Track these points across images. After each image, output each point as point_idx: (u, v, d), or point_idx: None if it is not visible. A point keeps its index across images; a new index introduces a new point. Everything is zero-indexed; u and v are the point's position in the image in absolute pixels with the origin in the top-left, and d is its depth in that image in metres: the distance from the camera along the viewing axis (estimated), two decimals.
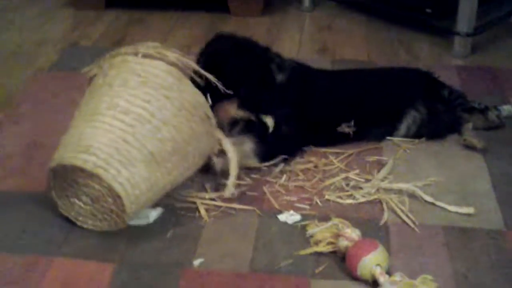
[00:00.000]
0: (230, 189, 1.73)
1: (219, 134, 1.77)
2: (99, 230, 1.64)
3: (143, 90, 1.62)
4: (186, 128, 1.65)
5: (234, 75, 1.85)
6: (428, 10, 2.76)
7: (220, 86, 1.73)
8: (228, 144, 1.77)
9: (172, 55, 1.68)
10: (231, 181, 1.74)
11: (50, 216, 1.68)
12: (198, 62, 1.91)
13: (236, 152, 1.77)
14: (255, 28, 2.94)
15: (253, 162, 1.87)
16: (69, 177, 1.60)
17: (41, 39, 2.81)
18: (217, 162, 1.78)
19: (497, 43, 2.76)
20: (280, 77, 1.96)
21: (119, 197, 1.55)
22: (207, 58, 1.91)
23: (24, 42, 2.78)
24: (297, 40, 2.82)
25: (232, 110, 1.88)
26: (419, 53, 2.70)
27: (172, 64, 1.67)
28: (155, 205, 1.70)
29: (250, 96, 1.90)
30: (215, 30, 2.79)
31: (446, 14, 2.71)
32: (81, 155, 1.54)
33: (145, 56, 1.67)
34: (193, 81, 1.73)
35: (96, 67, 1.73)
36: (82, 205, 1.63)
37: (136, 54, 1.68)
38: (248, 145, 1.86)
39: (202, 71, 1.72)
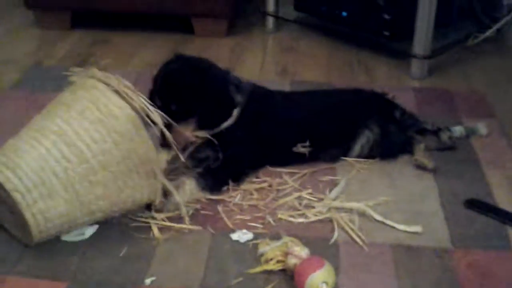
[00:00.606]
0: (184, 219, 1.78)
1: (164, 181, 1.75)
2: (22, 240, 1.66)
3: (96, 127, 1.61)
4: (125, 177, 1.64)
5: (190, 96, 1.88)
6: (386, 33, 2.82)
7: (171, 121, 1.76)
8: (174, 192, 1.78)
9: (139, 102, 1.65)
10: (183, 213, 1.79)
11: (3, 235, 1.70)
12: (155, 82, 1.95)
13: (181, 195, 1.81)
14: (219, 49, 2.99)
15: (203, 196, 1.88)
16: None
17: (4, 58, 2.82)
18: (165, 204, 1.80)
19: (454, 65, 2.83)
20: (238, 98, 1.99)
21: (28, 224, 1.57)
22: (164, 78, 1.94)
23: None
24: (260, 61, 2.87)
25: (188, 133, 1.90)
26: (377, 74, 2.76)
27: (137, 110, 1.65)
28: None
29: (207, 117, 1.92)
30: (179, 50, 2.85)
31: (404, 37, 2.77)
32: (7, 172, 1.56)
33: (115, 91, 1.66)
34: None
35: (78, 76, 1.73)
36: (4, 212, 1.65)
37: (107, 85, 1.67)
38: (190, 184, 1.86)
39: (164, 129, 1.70)
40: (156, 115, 1.66)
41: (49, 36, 3.08)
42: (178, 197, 1.78)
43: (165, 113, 1.76)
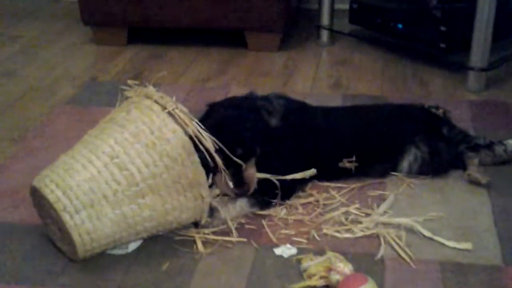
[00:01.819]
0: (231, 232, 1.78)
1: (214, 202, 1.78)
2: (68, 254, 1.67)
3: (148, 150, 1.62)
4: (173, 200, 1.65)
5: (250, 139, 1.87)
6: (443, 45, 2.77)
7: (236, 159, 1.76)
8: (221, 210, 1.80)
9: (193, 127, 1.65)
10: (230, 226, 1.79)
11: (50, 247, 1.72)
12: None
13: (231, 211, 1.82)
14: (272, 63, 2.99)
15: (253, 211, 1.87)
16: (43, 199, 1.62)
17: (61, 74, 2.89)
18: (210, 222, 1.80)
19: None
20: (273, 122, 1.96)
21: (74, 243, 1.58)
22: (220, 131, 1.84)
23: (44, 77, 2.86)
24: (312, 75, 2.85)
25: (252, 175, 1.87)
26: (433, 87, 2.71)
27: (189, 135, 1.65)
28: None
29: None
30: (232, 64, 2.89)
31: (461, 49, 2.71)
32: (57, 191, 1.57)
33: (169, 113, 1.66)
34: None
35: (133, 91, 1.75)
36: (52, 226, 1.67)
37: (163, 107, 1.67)
38: (241, 200, 1.85)
39: (214, 155, 1.68)
40: (209, 141, 1.66)
41: (105, 52, 3.13)
42: (223, 213, 1.78)
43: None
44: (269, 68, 2.94)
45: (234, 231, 1.78)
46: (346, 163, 1.98)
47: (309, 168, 1.95)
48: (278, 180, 1.89)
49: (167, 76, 2.84)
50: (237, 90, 2.64)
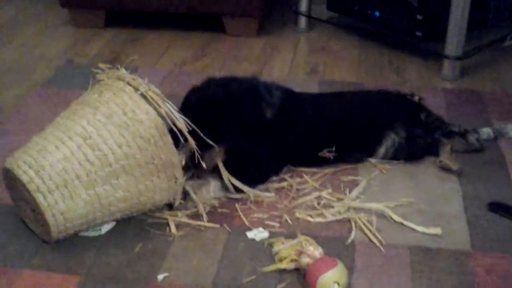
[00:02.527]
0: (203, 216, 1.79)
1: (185, 184, 1.77)
2: (40, 236, 1.68)
3: (121, 131, 1.62)
4: (146, 181, 1.66)
5: (224, 126, 1.85)
6: (419, 33, 2.79)
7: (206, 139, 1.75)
8: (192, 194, 1.81)
9: (166, 109, 1.66)
10: (201, 211, 1.80)
11: (23, 230, 1.73)
12: (186, 105, 1.89)
13: (205, 194, 1.82)
14: (250, 48, 2.99)
15: (226, 195, 1.88)
16: (15, 181, 1.62)
17: (37, 56, 2.87)
18: (184, 204, 1.81)
19: (487, 67, 2.78)
20: (269, 114, 1.96)
21: (48, 224, 1.58)
22: (197, 104, 1.89)
23: (21, 58, 2.85)
24: (289, 61, 2.86)
25: (218, 159, 1.86)
26: (409, 75, 2.73)
27: (162, 116, 1.66)
28: None
29: (238, 147, 1.90)
30: (210, 49, 2.89)
31: (436, 37, 2.73)
32: (30, 172, 1.58)
33: (142, 95, 1.67)
34: None
35: (106, 74, 1.74)
36: (25, 208, 1.67)
37: (136, 88, 1.68)
38: (215, 184, 1.86)
39: (187, 135, 1.69)
40: (182, 122, 1.67)
41: (82, 35, 3.12)
42: (195, 197, 1.79)
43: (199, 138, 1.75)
44: (246, 53, 2.94)
45: (205, 215, 1.78)
46: (326, 153, 2.00)
47: (289, 158, 1.98)
48: (252, 164, 1.90)
49: (144, 60, 2.84)
50: (214, 75, 2.64)
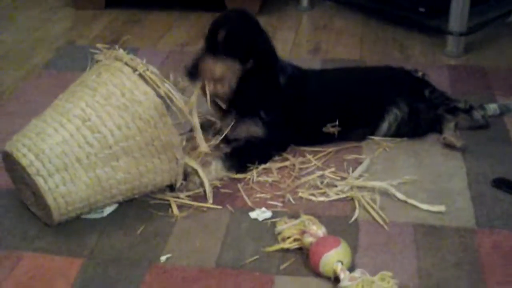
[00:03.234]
0: (208, 197, 1.77)
1: (189, 161, 1.76)
2: (42, 219, 1.67)
3: (120, 112, 1.61)
4: (147, 163, 1.64)
5: (245, 38, 1.86)
6: (422, 9, 2.76)
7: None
8: (199, 170, 1.78)
9: (164, 89, 1.64)
10: (208, 191, 1.78)
11: (25, 212, 1.72)
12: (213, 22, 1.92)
13: (206, 174, 1.80)
14: None
15: (228, 175, 1.87)
16: (16, 164, 1.61)
17: (39, 37, 2.86)
18: (185, 185, 1.80)
19: (491, 43, 2.76)
20: (281, 79, 1.95)
21: (49, 207, 1.57)
22: (220, 17, 1.93)
23: (22, 40, 2.83)
24: (291, 39, 2.84)
25: (218, 69, 1.84)
26: (412, 52, 2.71)
27: (161, 96, 1.64)
28: None
29: (253, 77, 1.88)
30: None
31: (440, 14, 2.70)
32: (30, 155, 1.56)
33: (140, 75, 1.65)
34: None
35: (104, 55, 1.73)
36: (26, 191, 1.66)
37: (134, 69, 1.66)
38: (216, 164, 1.85)
39: (188, 115, 1.70)
40: (181, 102, 1.66)
41: (83, 16, 3.10)
42: (203, 175, 1.78)
43: (210, 41, 1.82)
44: None
45: (210, 195, 1.77)
46: (330, 128, 1.98)
47: (294, 134, 1.98)
48: (255, 143, 1.89)
49: (145, 41, 2.83)
50: None
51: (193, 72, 1.78)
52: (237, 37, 1.85)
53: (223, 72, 1.85)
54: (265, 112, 1.92)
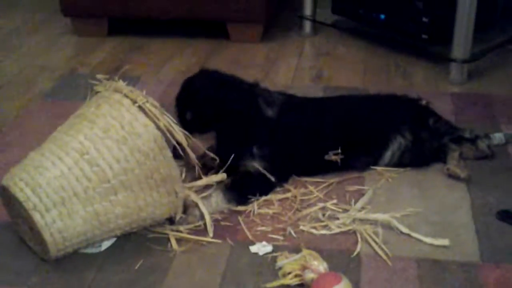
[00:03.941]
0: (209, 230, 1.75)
1: (189, 193, 1.73)
2: (39, 254, 1.64)
3: (119, 145, 1.58)
4: (146, 196, 1.62)
5: (207, 108, 1.84)
6: (425, 36, 2.74)
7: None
8: (200, 205, 1.76)
9: (164, 121, 1.62)
10: (208, 226, 1.76)
11: (21, 247, 1.70)
12: (179, 96, 1.92)
13: (207, 207, 1.78)
14: (254, 54, 2.96)
15: (230, 207, 1.84)
16: (12, 198, 1.59)
17: (40, 66, 2.85)
18: (185, 218, 1.77)
19: (495, 69, 2.74)
20: (269, 112, 1.93)
21: (46, 243, 1.55)
22: (183, 86, 1.92)
23: (23, 68, 2.83)
24: (294, 66, 2.82)
25: (202, 147, 1.82)
26: (415, 79, 2.69)
27: (161, 129, 1.62)
28: None
29: (226, 134, 1.87)
30: (214, 56, 2.86)
31: (443, 40, 2.69)
32: (27, 190, 1.54)
33: (140, 107, 1.63)
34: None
35: (103, 86, 1.71)
36: (23, 226, 1.64)
37: (133, 101, 1.64)
38: (217, 196, 1.83)
39: (187, 149, 1.68)
40: (181, 135, 1.63)
41: (86, 44, 3.09)
42: (203, 207, 1.75)
43: (180, 122, 1.77)
44: (251, 59, 2.91)
45: (210, 228, 1.74)
46: (332, 156, 1.96)
47: (294, 163, 1.95)
48: (256, 175, 1.87)
49: (147, 69, 2.82)
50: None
51: (176, 153, 1.73)
52: (204, 115, 1.84)
53: (199, 146, 1.81)
54: (257, 147, 1.90)
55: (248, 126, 1.90)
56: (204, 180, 1.78)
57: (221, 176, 1.80)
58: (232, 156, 1.82)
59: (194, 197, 1.75)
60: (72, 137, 1.61)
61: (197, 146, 1.76)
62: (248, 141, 1.90)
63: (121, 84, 1.69)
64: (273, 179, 1.90)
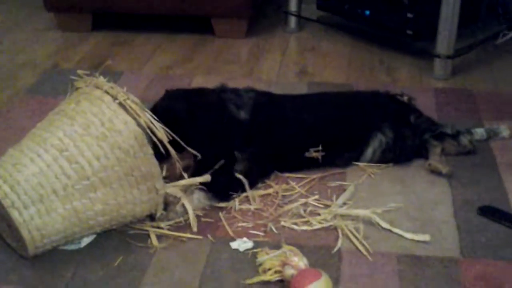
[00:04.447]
0: (193, 226, 1.74)
1: (171, 190, 1.71)
2: (17, 251, 1.64)
3: (99, 142, 1.57)
4: (126, 193, 1.60)
5: (181, 131, 1.76)
6: (409, 32, 2.74)
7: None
8: (185, 201, 1.74)
9: (145, 118, 1.60)
10: (192, 221, 1.75)
11: (1, 243, 1.69)
12: None
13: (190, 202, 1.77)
14: (239, 50, 2.94)
15: (211, 204, 1.83)
16: None
17: (23, 61, 2.83)
18: (165, 215, 1.76)
19: (479, 65, 2.74)
20: (242, 115, 1.92)
21: (24, 240, 1.54)
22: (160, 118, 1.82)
23: (6, 63, 2.81)
24: (278, 62, 2.81)
25: (180, 166, 1.76)
26: (399, 75, 2.68)
27: (142, 126, 1.61)
28: None
29: (205, 150, 1.82)
30: (199, 51, 2.85)
31: (427, 36, 2.68)
32: (5, 187, 1.53)
33: (120, 104, 1.61)
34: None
35: (84, 82, 1.69)
36: (1, 222, 1.63)
37: (114, 97, 1.62)
38: (198, 193, 1.81)
39: (168, 146, 1.65)
40: (162, 132, 1.62)
41: (69, 39, 3.07)
42: (187, 203, 1.74)
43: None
44: (235, 55, 2.90)
45: (195, 225, 1.74)
46: (312, 153, 1.95)
47: (275, 160, 1.95)
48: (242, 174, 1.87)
49: (131, 64, 2.80)
50: (201, 78, 2.61)
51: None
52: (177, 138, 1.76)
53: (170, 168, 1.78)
54: (238, 151, 1.89)
55: (223, 136, 1.88)
56: (188, 180, 1.77)
57: (205, 178, 1.79)
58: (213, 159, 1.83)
59: (177, 192, 1.74)
60: (52, 133, 1.60)
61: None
62: (227, 150, 1.88)
63: (101, 80, 1.68)
64: (248, 188, 1.88)
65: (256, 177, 1.93)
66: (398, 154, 2.03)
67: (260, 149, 1.92)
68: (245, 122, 1.91)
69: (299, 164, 1.99)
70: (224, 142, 1.87)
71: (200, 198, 1.82)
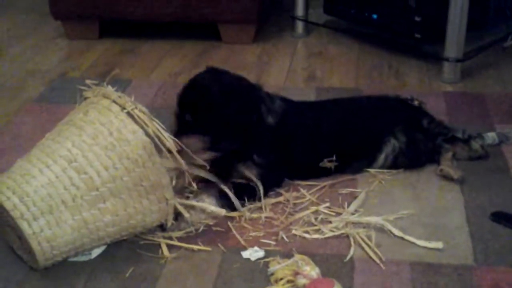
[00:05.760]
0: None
1: (178, 203, 1.69)
2: (28, 263, 1.62)
3: (107, 153, 1.56)
4: (135, 204, 1.59)
5: (207, 112, 1.80)
6: (417, 35, 2.73)
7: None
8: (185, 214, 1.72)
9: (153, 128, 1.59)
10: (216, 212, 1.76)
11: (10, 256, 1.68)
12: (182, 95, 1.85)
13: (200, 212, 1.76)
14: (246, 55, 2.94)
15: (223, 213, 1.80)
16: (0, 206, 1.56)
17: (31, 70, 2.83)
18: (176, 225, 1.75)
19: (488, 68, 2.73)
20: (270, 120, 1.89)
21: (34, 252, 1.53)
22: (187, 86, 1.85)
23: (14, 73, 2.80)
24: (286, 67, 2.81)
25: (194, 147, 1.77)
26: (408, 79, 2.67)
27: (150, 135, 1.59)
28: None
29: (220, 139, 1.83)
30: (206, 58, 2.84)
31: (436, 39, 2.67)
32: (14, 198, 1.52)
33: (128, 113, 1.60)
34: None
35: (92, 92, 1.69)
36: (11, 234, 1.62)
37: (122, 107, 1.61)
38: (210, 201, 1.79)
39: (176, 155, 1.63)
40: (170, 142, 1.61)
41: (77, 47, 3.08)
42: (204, 205, 1.74)
43: (179, 122, 1.76)
44: (243, 61, 2.89)
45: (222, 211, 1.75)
46: (327, 163, 1.94)
47: (290, 170, 1.94)
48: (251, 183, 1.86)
49: (138, 71, 2.80)
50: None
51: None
52: (204, 118, 1.78)
53: (196, 148, 1.78)
54: (257, 155, 1.87)
55: (249, 136, 1.86)
56: (201, 205, 1.76)
57: (220, 211, 1.77)
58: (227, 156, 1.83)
59: (181, 209, 1.71)
60: (60, 144, 1.59)
61: (188, 152, 1.73)
62: (248, 150, 1.87)
63: (109, 89, 1.67)
64: (262, 195, 1.86)
65: (271, 185, 1.91)
66: (411, 160, 2.01)
67: (278, 157, 1.91)
68: (271, 127, 1.89)
69: (312, 173, 1.98)
70: (245, 140, 1.85)
71: (211, 208, 1.79)
